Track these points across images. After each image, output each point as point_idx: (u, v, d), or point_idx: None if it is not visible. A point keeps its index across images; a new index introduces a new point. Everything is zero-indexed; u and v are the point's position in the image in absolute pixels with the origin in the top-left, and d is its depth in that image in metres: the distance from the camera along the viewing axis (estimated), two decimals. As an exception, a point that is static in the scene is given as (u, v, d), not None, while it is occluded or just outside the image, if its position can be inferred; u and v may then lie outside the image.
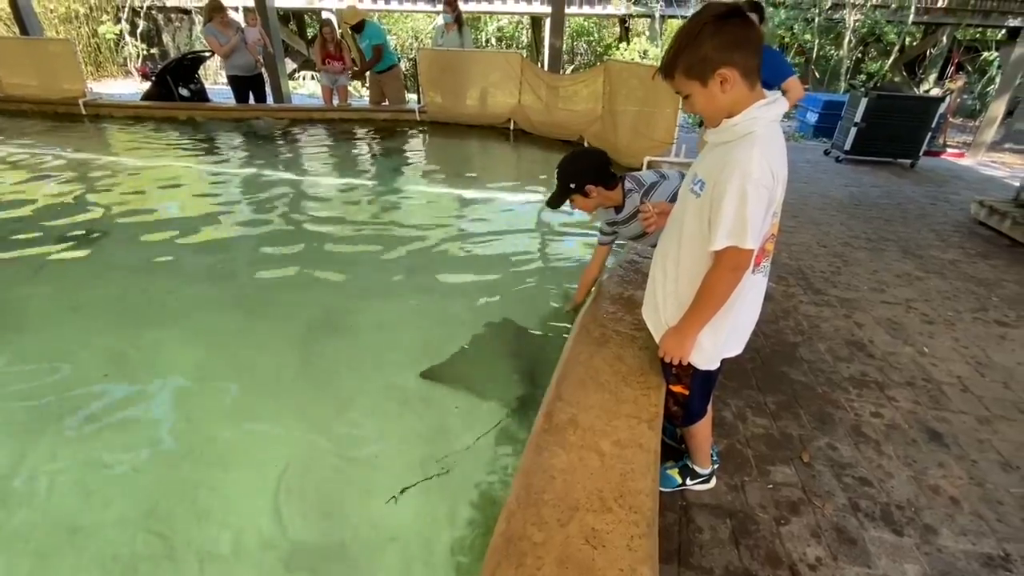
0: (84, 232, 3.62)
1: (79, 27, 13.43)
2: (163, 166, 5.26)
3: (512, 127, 7.04)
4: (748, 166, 1.11)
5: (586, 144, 6.19)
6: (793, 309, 2.94)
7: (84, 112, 7.24)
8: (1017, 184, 4.81)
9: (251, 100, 7.19)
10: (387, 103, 7.50)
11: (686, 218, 1.31)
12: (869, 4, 12.37)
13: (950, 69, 11.96)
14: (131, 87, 11.72)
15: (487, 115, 7.12)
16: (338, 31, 7.09)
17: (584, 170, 1.97)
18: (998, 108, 7.50)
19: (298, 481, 1.74)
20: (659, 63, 1.21)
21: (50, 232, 3.60)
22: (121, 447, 1.88)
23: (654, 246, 1.53)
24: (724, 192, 1.14)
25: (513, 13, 16.33)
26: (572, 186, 1.96)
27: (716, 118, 1.20)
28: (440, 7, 7.02)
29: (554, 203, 2.05)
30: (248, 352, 2.41)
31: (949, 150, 7.60)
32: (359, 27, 6.45)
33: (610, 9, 14.51)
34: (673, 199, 1.88)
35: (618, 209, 2.08)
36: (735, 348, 1.44)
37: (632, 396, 1.44)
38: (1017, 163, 7.42)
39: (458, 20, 6.91)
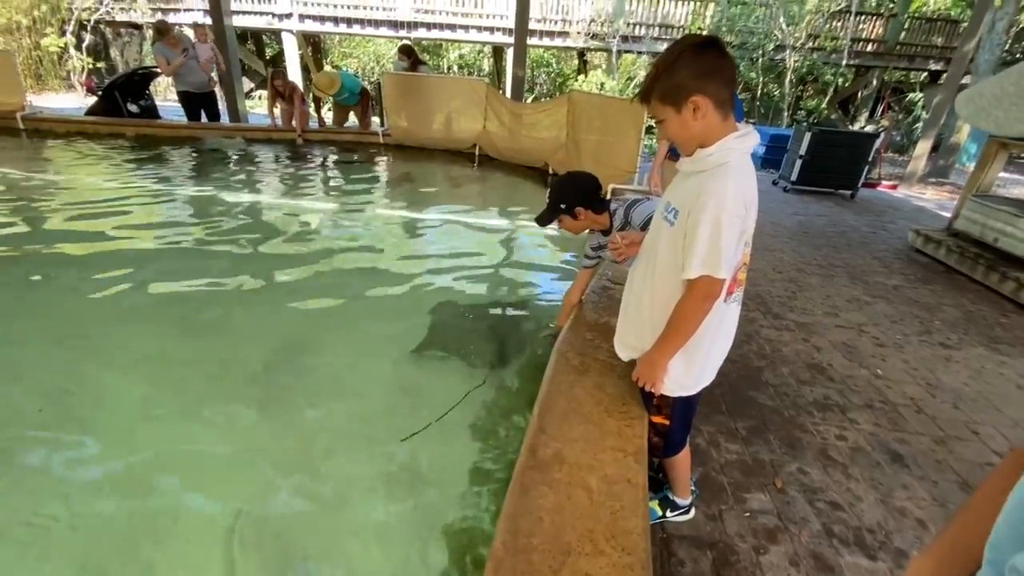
0: (15, 255, 3.33)
1: (20, 39, 12.79)
2: (107, 186, 4.95)
3: (477, 152, 7.08)
4: (723, 196, 1.13)
5: (551, 171, 6.29)
6: (755, 333, 3.02)
7: (22, 126, 6.81)
8: (947, 214, 5.20)
9: (203, 118, 6.96)
10: (351, 125, 7.44)
11: (659, 246, 1.31)
12: (807, 47, 13.39)
13: (881, 107, 13.01)
14: (74, 101, 11.14)
15: (452, 140, 7.15)
16: (294, 81, 7.10)
17: (575, 192, 2.04)
18: (925, 145, 8.18)
19: (254, 530, 1.60)
20: (638, 89, 1.23)
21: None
22: (55, 496, 1.68)
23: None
24: (698, 221, 1.15)
25: (476, 42, 16.66)
26: (562, 207, 2.02)
27: (689, 146, 1.22)
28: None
29: (543, 221, 2.10)
30: (198, 386, 2.24)
31: (884, 182, 8.19)
32: None
33: (569, 42, 15.03)
34: (646, 226, 1.91)
35: (605, 232, 2.12)
36: (709, 377, 1.43)
37: (616, 428, 1.41)
38: (943, 195, 8.07)
39: (414, 67, 7.08)
